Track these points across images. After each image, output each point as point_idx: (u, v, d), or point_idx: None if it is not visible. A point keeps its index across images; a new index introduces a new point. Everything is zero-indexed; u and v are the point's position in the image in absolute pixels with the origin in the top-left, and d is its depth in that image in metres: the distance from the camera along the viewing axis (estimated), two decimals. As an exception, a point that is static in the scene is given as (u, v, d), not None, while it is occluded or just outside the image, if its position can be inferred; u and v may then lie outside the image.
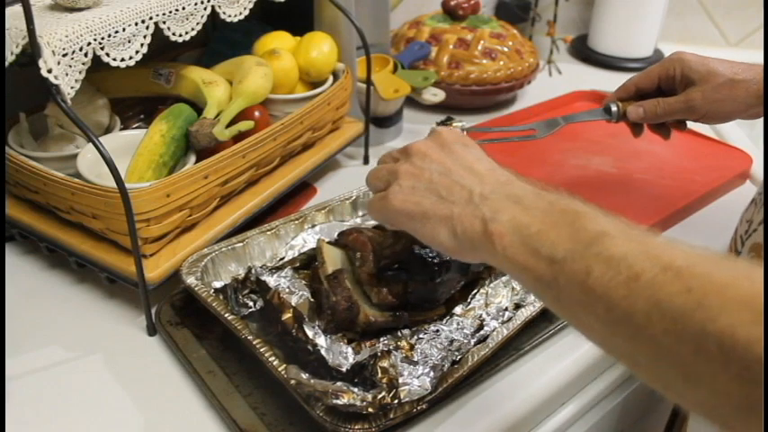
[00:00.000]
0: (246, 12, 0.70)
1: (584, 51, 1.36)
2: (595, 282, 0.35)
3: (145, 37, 0.60)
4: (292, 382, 0.49)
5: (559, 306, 0.39)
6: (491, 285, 0.62)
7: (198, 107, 0.71)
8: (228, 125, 0.68)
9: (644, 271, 0.33)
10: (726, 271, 0.31)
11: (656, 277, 0.32)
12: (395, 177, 0.49)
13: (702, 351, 0.30)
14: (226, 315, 0.56)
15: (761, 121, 0.69)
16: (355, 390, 0.49)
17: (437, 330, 0.58)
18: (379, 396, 0.48)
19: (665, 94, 0.72)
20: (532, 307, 0.59)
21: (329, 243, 0.62)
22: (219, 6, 0.67)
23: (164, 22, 0.61)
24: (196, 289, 0.58)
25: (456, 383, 0.52)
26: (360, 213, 0.74)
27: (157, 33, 0.61)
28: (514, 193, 0.43)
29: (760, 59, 1.30)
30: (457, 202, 0.45)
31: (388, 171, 0.51)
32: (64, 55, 0.54)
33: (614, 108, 0.72)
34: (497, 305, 0.61)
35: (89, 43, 0.56)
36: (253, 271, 0.58)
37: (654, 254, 0.34)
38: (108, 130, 0.73)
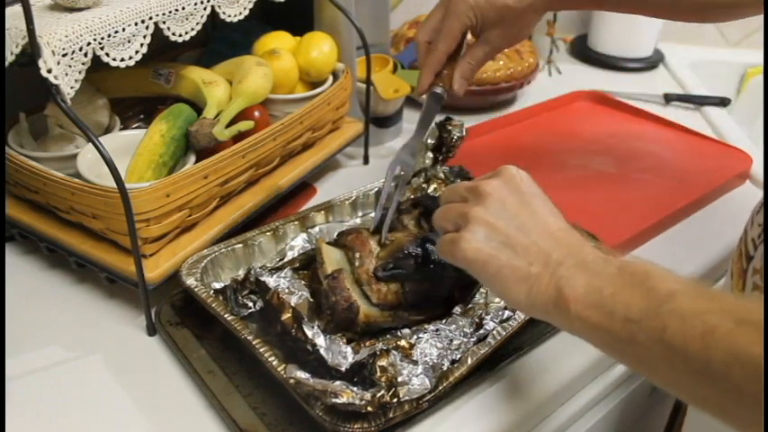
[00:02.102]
0: (246, 12, 0.70)
1: (583, 51, 1.36)
2: (672, 337, 0.36)
3: (145, 37, 0.60)
4: (291, 381, 0.49)
5: (640, 362, 0.40)
6: (491, 285, 0.62)
7: (198, 107, 0.71)
8: (228, 125, 0.68)
9: (719, 325, 0.35)
10: None
11: (731, 331, 0.34)
12: (466, 222, 0.47)
13: None
14: (225, 316, 0.56)
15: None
16: (354, 389, 0.49)
17: (437, 330, 0.58)
18: (378, 395, 0.48)
19: None
20: (532, 307, 0.59)
21: (328, 243, 0.62)
22: (219, 6, 0.67)
23: (164, 22, 0.61)
24: (196, 290, 0.58)
25: (456, 383, 0.52)
26: (359, 213, 0.74)
27: (157, 33, 0.61)
28: (585, 259, 0.44)
29: (760, 60, 1.30)
30: (534, 264, 0.44)
31: (458, 213, 0.49)
32: (64, 55, 0.54)
33: (440, 91, 0.70)
34: (497, 305, 0.61)
35: (89, 43, 0.56)
36: (252, 271, 0.58)
37: (726, 309, 0.36)
38: (108, 130, 0.73)
